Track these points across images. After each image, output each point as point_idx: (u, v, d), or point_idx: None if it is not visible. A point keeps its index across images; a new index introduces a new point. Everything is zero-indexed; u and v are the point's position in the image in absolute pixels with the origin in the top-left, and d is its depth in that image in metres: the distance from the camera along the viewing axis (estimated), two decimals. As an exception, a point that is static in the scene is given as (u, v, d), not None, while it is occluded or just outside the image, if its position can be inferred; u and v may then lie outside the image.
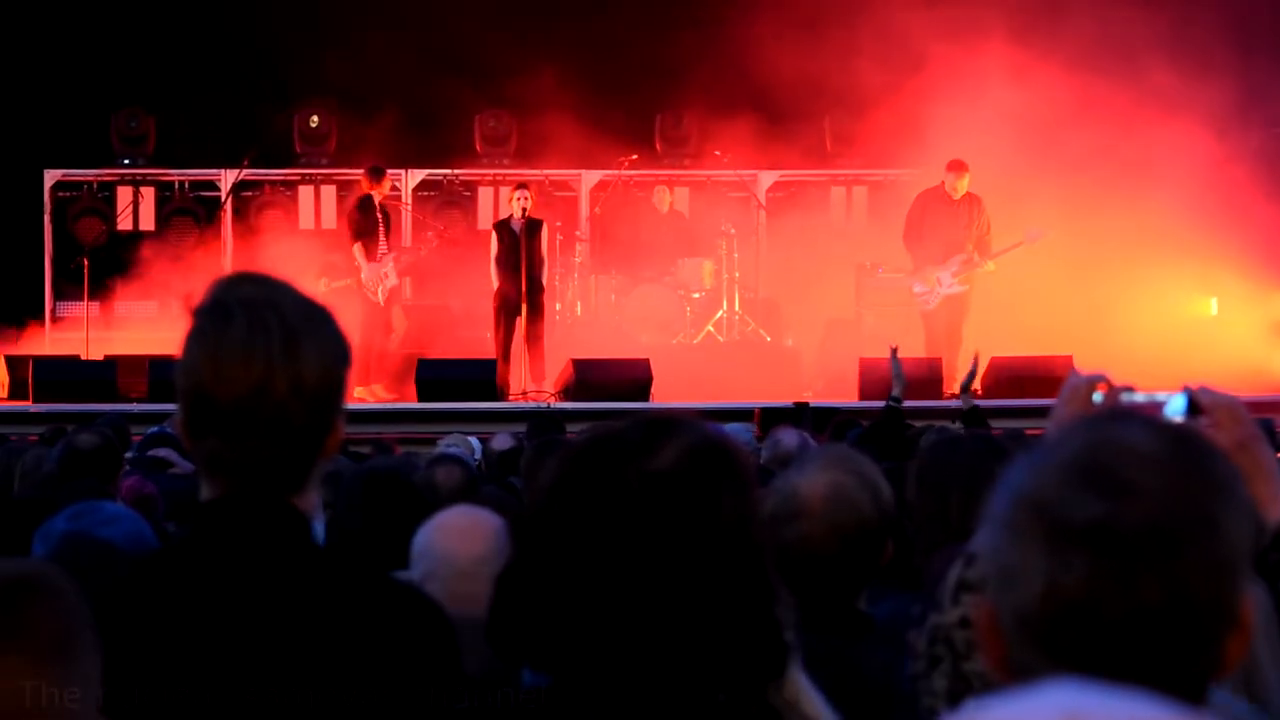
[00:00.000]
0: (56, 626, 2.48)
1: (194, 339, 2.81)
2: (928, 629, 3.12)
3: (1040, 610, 1.88)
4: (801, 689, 2.77)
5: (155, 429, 10.24)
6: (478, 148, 23.03)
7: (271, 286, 2.83)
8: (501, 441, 10.14)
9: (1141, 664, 1.86)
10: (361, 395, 18.40)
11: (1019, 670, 1.92)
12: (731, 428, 9.94)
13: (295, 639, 2.74)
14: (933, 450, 4.71)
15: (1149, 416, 1.97)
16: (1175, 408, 2.88)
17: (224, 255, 21.91)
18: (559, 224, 21.62)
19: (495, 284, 19.09)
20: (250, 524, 2.81)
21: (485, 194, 22.88)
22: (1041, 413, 15.71)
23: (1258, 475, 2.90)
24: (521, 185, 19.55)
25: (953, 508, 4.44)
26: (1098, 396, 2.89)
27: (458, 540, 4.83)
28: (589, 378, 18.05)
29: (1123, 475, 1.88)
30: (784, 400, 16.69)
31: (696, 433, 2.50)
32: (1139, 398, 2.88)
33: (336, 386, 2.83)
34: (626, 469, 2.42)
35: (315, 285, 19.78)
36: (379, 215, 19.46)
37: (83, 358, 19.58)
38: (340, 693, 2.70)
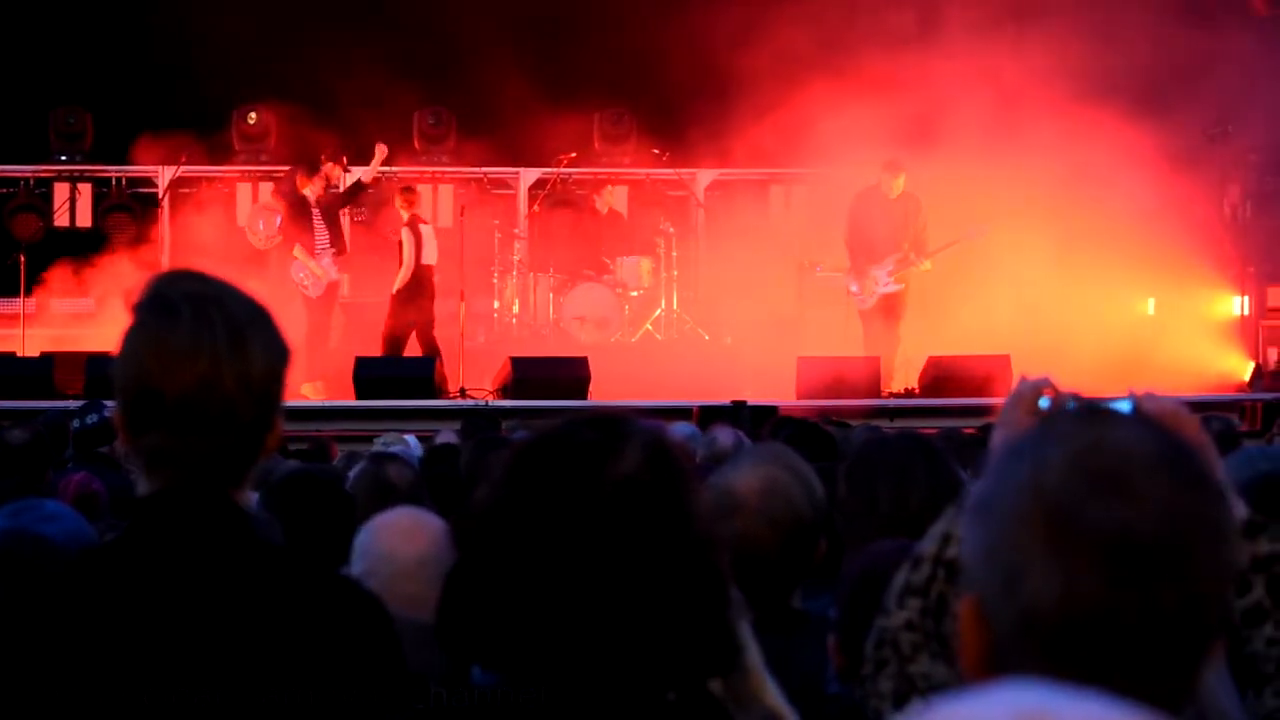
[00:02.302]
0: None
1: (137, 333, 2.79)
2: (874, 632, 3.13)
3: (1056, 613, 1.87)
4: (764, 682, 2.79)
5: (83, 420, 9.79)
6: (416, 145, 22.99)
7: (213, 283, 2.82)
8: (446, 439, 10.14)
9: (1144, 668, 1.87)
10: (301, 393, 18.30)
11: (1000, 668, 1.90)
12: (679, 428, 9.95)
13: (239, 632, 2.74)
14: (863, 448, 4.73)
15: (1133, 416, 1.98)
16: None
17: (161, 252, 21.82)
18: (497, 222, 21.63)
19: None
20: (192, 517, 2.80)
21: (424, 191, 22.85)
22: (977, 412, 15.81)
23: None
24: (405, 189, 19.79)
25: (881, 505, 4.45)
26: (1044, 402, 2.91)
27: (399, 540, 4.84)
28: (527, 376, 18.03)
29: (1129, 481, 1.88)
30: (722, 399, 16.69)
31: (647, 432, 2.50)
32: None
33: (279, 383, 2.83)
34: (594, 473, 2.42)
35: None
36: (314, 211, 19.36)
37: (19, 354, 19.46)
38: (283, 686, 2.70)
